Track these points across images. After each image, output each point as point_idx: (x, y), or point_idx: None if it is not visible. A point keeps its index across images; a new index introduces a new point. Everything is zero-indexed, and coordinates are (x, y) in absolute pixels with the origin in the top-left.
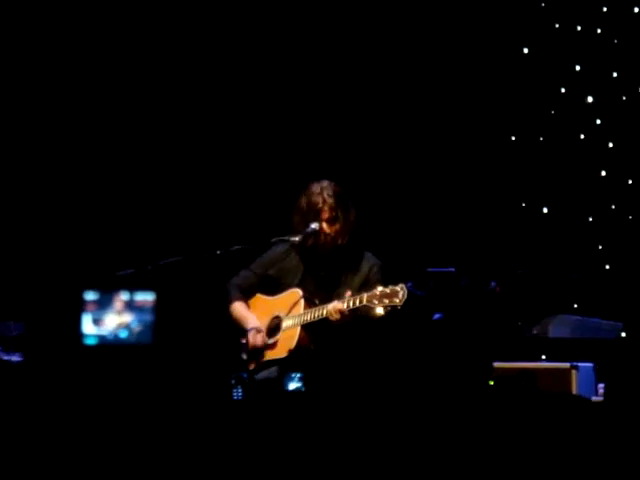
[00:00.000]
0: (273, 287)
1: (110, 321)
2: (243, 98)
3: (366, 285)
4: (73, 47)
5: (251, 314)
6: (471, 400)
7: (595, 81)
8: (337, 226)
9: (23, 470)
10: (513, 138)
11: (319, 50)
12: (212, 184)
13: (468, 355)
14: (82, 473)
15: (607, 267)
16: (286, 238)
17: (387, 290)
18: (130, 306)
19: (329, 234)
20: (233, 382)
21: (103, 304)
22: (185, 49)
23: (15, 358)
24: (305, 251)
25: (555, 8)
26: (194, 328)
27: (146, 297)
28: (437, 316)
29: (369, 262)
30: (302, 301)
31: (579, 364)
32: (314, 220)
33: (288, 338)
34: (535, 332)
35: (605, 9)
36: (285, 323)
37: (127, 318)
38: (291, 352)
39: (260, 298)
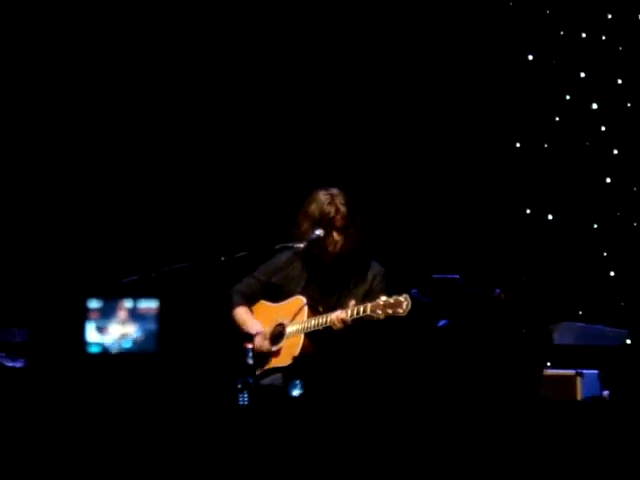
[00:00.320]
0: (276, 294)
1: (114, 331)
2: (248, 105)
3: (370, 294)
4: (73, 48)
5: (254, 319)
6: (476, 406)
7: (600, 88)
8: (348, 235)
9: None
10: (518, 145)
11: (327, 58)
12: (216, 191)
13: (474, 362)
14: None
15: (612, 274)
16: (290, 245)
17: (391, 300)
18: (134, 315)
19: (338, 242)
20: (239, 387)
21: (107, 312)
22: (194, 58)
23: (19, 364)
24: (309, 258)
25: (560, 15)
26: (198, 335)
27: (150, 304)
28: (442, 323)
29: (373, 271)
30: (306, 308)
31: (584, 371)
32: (324, 228)
33: (292, 346)
34: None
35: (610, 16)
36: (289, 330)
37: (131, 329)
38: (295, 360)
39: (264, 305)
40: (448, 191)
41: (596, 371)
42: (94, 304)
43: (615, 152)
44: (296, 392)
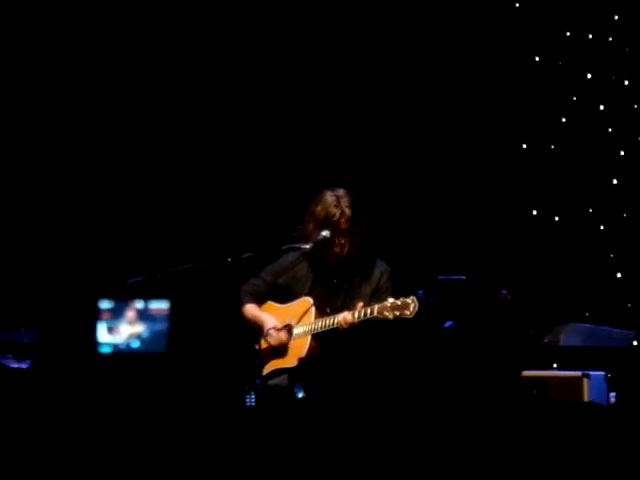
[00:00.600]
0: (283, 295)
1: (123, 330)
2: (255, 106)
3: (377, 293)
4: (73, 48)
5: (266, 314)
6: (482, 408)
7: (606, 89)
8: (352, 238)
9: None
10: (524, 146)
11: (337, 56)
12: (222, 192)
13: (480, 363)
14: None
15: (619, 275)
16: (297, 246)
17: (398, 302)
18: (143, 315)
19: (343, 244)
20: (246, 388)
21: (117, 313)
22: (201, 60)
23: (26, 366)
24: (315, 259)
25: (566, 16)
26: (205, 335)
27: (161, 305)
28: (448, 324)
29: (379, 269)
30: (313, 310)
31: (591, 373)
32: (330, 230)
33: (299, 347)
34: (546, 340)
35: (616, 17)
36: (296, 332)
37: (139, 328)
38: (301, 361)
39: (271, 305)
40: (454, 192)
41: (603, 372)
42: (105, 305)
43: (622, 153)
44: (299, 394)
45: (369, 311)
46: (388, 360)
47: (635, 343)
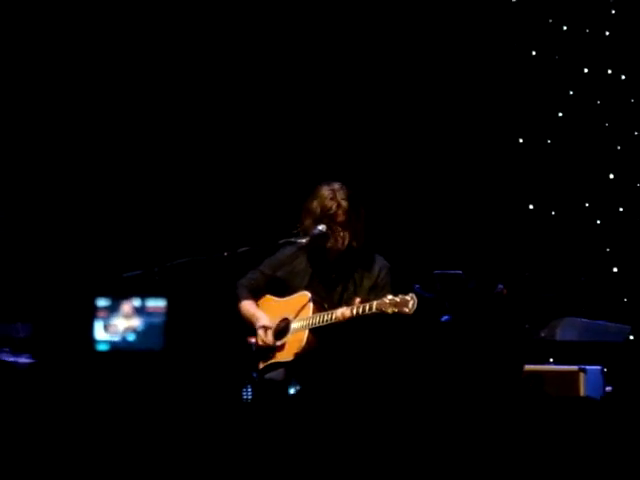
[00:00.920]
0: (281, 289)
1: (119, 324)
2: (249, 99)
3: (375, 288)
4: (73, 48)
5: (261, 312)
6: (478, 402)
7: (603, 84)
8: (350, 230)
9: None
10: (521, 140)
11: (334, 51)
12: (219, 186)
13: (477, 358)
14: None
15: (615, 270)
16: (294, 240)
17: (397, 299)
18: (139, 311)
19: (341, 238)
20: (246, 381)
21: (113, 309)
22: (194, 56)
23: (22, 360)
24: (314, 254)
25: (563, 10)
26: (201, 329)
27: (157, 303)
28: (445, 318)
29: (378, 265)
30: (311, 304)
31: (587, 367)
32: (327, 224)
33: (296, 341)
34: (543, 335)
35: (613, 12)
36: (293, 326)
37: (135, 322)
38: (298, 355)
39: (269, 299)
40: (451, 187)
41: (599, 367)
42: (102, 302)
43: (618, 148)
44: (293, 389)
45: (367, 307)
46: (384, 355)
47: (631, 338)
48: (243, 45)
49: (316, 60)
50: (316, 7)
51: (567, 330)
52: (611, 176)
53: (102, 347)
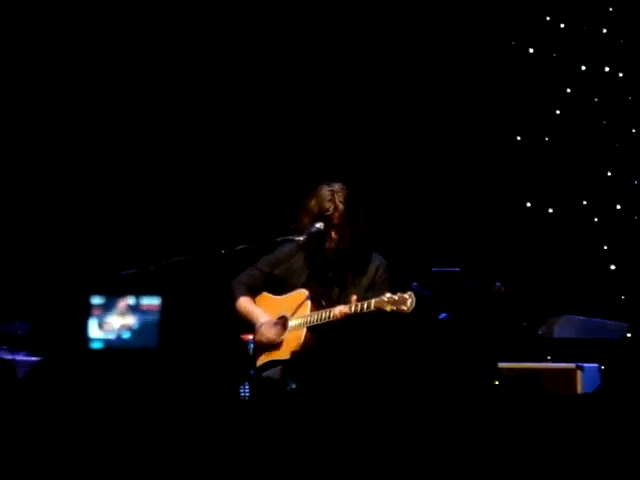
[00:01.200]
0: (279, 287)
1: (113, 322)
2: (247, 98)
3: (373, 286)
4: (73, 48)
5: (259, 309)
6: (475, 400)
7: (601, 81)
8: (347, 232)
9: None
10: (518, 138)
11: (332, 50)
12: (216, 184)
13: (473, 355)
14: (87, 475)
15: (612, 267)
16: (291, 238)
17: (395, 297)
18: (134, 309)
19: (336, 239)
20: (245, 378)
21: (108, 307)
22: (193, 54)
23: (20, 357)
24: (311, 252)
25: (561, 8)
26: (198, 327)
27: (152, 301)
28: (443, 316)
29: (375, 263)
30: (308, 302)
31: (584, 365)
32: (323, 223)
33: (294, 339)
34: (540, 332)
35: (611, 9)
36: (291, 324)
37: (130, 320)
38: (296, 353)
39: (266, 296)
40: (448, 184)
41: (596, 364)
42: (97, 300)
43: (616, 146)
44: (290, 387)
45: (365, 305)
46: (382, 353)
47: (628, 335)
48: (243, 45)
49: (316, 60)
50: (316, 7)
51: (565, 327)
52: (609, 174)
53: (97, 345)
